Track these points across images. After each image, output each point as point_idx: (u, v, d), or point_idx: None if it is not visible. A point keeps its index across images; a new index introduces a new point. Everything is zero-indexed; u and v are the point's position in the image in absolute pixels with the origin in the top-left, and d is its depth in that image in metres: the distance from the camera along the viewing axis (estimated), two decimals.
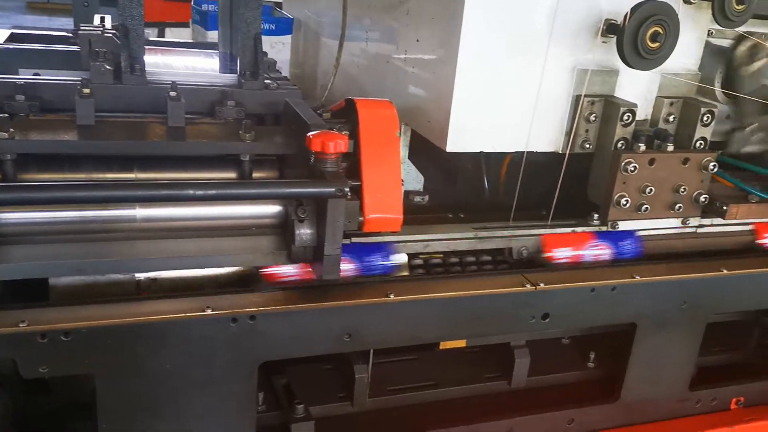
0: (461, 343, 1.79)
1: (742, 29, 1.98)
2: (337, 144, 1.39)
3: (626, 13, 1.70)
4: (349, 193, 1.50)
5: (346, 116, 1.62)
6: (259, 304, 1.41)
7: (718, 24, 1.84)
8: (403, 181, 2.19)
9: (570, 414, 1.86)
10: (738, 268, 1.88)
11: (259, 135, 1.55)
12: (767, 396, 2.10)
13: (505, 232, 1.81)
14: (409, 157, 2.18)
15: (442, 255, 1.83)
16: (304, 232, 1.45)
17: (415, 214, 2.07)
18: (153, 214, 1.42)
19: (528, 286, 1.67)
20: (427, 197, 2.20)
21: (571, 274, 1.75)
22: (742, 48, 1.95)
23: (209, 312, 1.36)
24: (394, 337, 1.59)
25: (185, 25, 3.96)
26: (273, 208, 1.50)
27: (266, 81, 1.93)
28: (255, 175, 1.56)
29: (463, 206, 2.03)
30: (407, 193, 2.20)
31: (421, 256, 1.81)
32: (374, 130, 1.56)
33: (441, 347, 1.79)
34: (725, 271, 1.86)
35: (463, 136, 1.81)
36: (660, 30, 1.72)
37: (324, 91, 2.71)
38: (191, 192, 1.27)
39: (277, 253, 1.49)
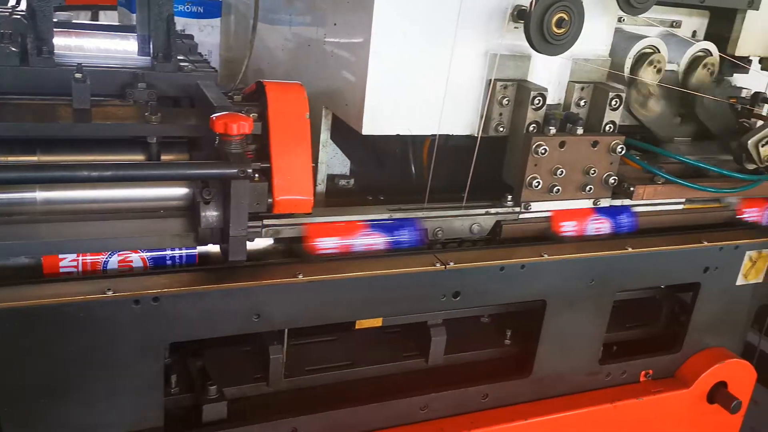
0: (377, 322, 1.82)
1: (647, 16, 2.05)
2: (241, 125, 1.40)
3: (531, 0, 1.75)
4: (256, 175, 1.52)
5: (257, 99, 1.63)
6: (163, 286, 1.41)
7: (623, 11, 1.90)
8: (328, 164, 2.25)
9: (484, 389, 1.91)
10: (642, 246, 1.96)
11: (167, 117, 1.54)
12: (674, 368, 2.20)
13: (420, 214, 1.85)
14: (336, 142, 2.20)
15: None
16: (210, 214, 1.46)
17: (341, 197, 2.12)
18: (54, 197, 1.41)
19: (438, 265, 1.71)
20: (352, 181, 2.24)
21: (481, 253, 1.80)
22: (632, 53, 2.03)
23: (110, 294, 1.36)
24: (304, 317, 1.61)
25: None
26: (180, 191, 1.50)
27: (182, 64, 1.92)
28: (163, 157, 1.55)
29: (389, 189, 2.05)
30: (333, 177, 2.23)
31: None
32: (283, 112, 1.57)
33: (357, 327, 1.82)
34: (630, 249, 1.94)
35: (379, 119, 1.84)
36: (565, 16, 1.77)
37: (243, 75, 2.72)
38: (86, 173, 1.26)
39: (185, 235, 1.50)
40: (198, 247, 1.58)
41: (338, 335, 1.92)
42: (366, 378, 1.88)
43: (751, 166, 2.14)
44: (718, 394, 2.18)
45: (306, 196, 1.59)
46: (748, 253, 2.13)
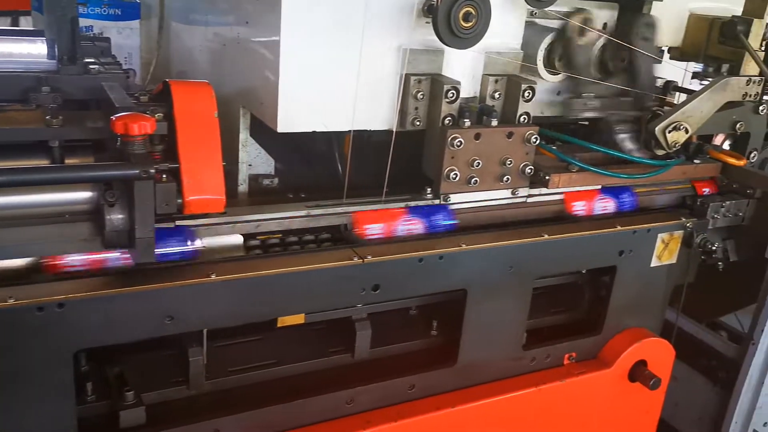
0: (300, 319, 1.82)
1: (556, 8, 2.11)
2: (142, 126, 1.38)
3: None
4: (164, 176, 1.50)
5: (164, 99, 1.61)
6: (68, 291, 1.38)
7: (528, 5, 1.95)
8: (251, 164, 2.24)
9: (410, 380, 1.94)
10: (558, 233, 2.02)
11: (70, 120, 1.51)
12: (597, 350, 2.27)
13: (338, 209, 1.86)
14: (260, 141, 2.19)
15: (280, 235, 1.86)
16: (115, 217, 1.44)
17: (264, 196, 2.11)
18: None
19: (356, 259, 1.72)
20: (276, 180, 2.23)
21: (399, 246, 1.82)
22: (576, 20, 2.06)
23: (11, 302, 1.33)
24: (220, 317, 1.61)
25: None
26: (84, 194, 1.46)
27: (92, 66, 1.88)
28: (68, 161, 1.52)
29: (314, 187, 2.05)
30: (256, 177, 2.22)
31: (259, 237, 1.83)
32: (190, 111, 1.56)
33: (279, 325, 1.82)
34: (546, 236, 1.99)
35: (294, 117, 1.84)
36: (472, 10, 1.81)
37: (179, 76, 2.68)
38: None
39: (91, 239, 1.47)
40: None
41: (263, 334, 1.91)
42: (291, 376, 1.88)
43: (660, 152, 2.23)
44: (639, 373, 2.26)
45: (218, 196, 1.58)
46: (660, 235, 2.21)
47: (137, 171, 1.36)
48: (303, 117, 1.85)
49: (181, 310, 1.52)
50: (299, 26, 1.75)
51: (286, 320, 1.82)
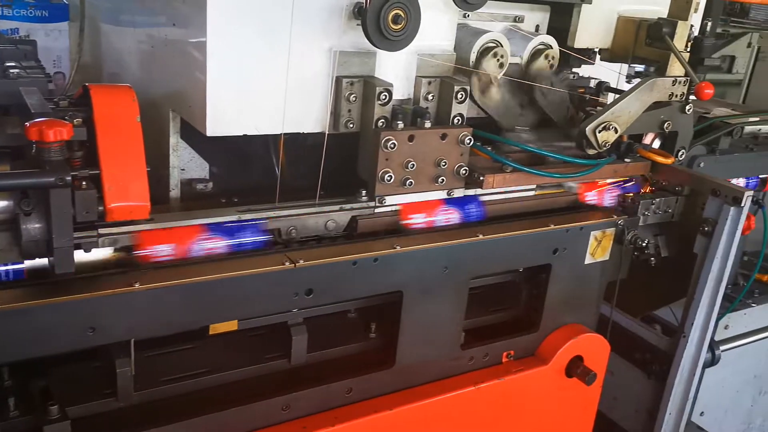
0: (232, 326, 1.80)
1: (485, 10, 2.14)
2: (57, 132, 1.34)
3: None
4: (84, 183, 1.46)
5: (84, 103, 1.56)
6: None
7: (458, 7, 1.97)
8: (184, 168, 2.20)
9: (348, 384, 1.93)
10: (492, 232, 2.04)
11: None
12: (534, 347, 2.30)
13: (270, 214, 1.84)
14: (195, 145, 2.15)
15: None
16: (32, 227, 1.39)
17: (197, 201, 2.07)
18: None
19: (287, 263, 1.71)
20: (210, 184, 2.19)
21: (333, 249, 1.81)
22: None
23: None
24: (146, 327, 1.57)
25: None
26: None
27: (13, 70, 1.83)
28: None
29: (250, 191, 2.03)
30: (190, 182, 2.18)
31: None
32: (111, 116, 1.51)
33: (211, 332, 1.79)
34: (481, 236, 2.01)
35: (223, 120, 1.81)
36: (401, 13, 1.81)
37: (111, 79, 2.61)
38: None
39: (8, 249, 1.42)
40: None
41: (195, 342, 1.87)
42: (226, 384, 1.85)
43: (591, 151, 2.27)
44: (575, 368, 2.30)
45: (142, 202, 1.54)
46: (593, 233, 2.26)
47: (53, 178, 1.31)
48: (233, 120, 1.82)
49: (104, 321, 1.48)
50: (226, 28, 1.72)
51: (218, 327, 1.79)
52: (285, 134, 1.99)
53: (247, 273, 1.66)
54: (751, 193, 2.24)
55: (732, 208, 2.26)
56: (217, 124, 1.80)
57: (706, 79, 2.36)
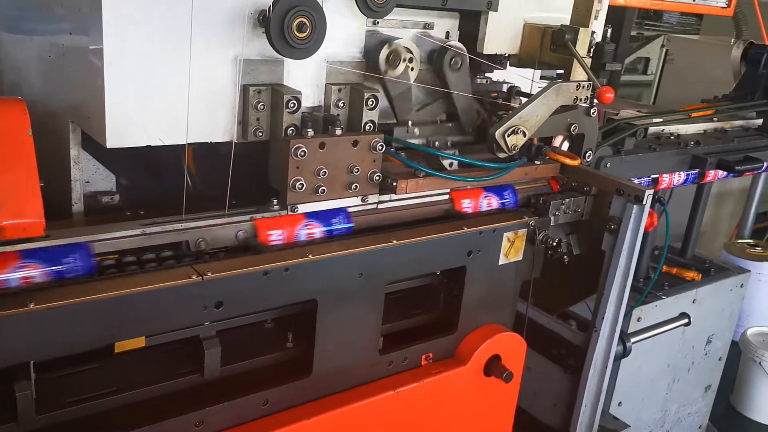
0: (140, 343, 1.75)
1: (395, 17, 2.16)
2: None
3: (269, 5, 1.77)
4: None
5: None
6: None
7: (363, 14, 1.98)
8: (89, 181, 2.13)
9: (264, 395, 1.90)
10: (406, 237, 2.06)
11: None
12: (453, 349, 2.34)
13: (177, 226, 1.80)
14: (101, 156, 2.09)
15: (116, 255, 1.77)
16: None
17: (103, 215, 2.01)
18: None
19: (194, 276, 1.67)
20: (117, 197, 2.13)
21: (243, 260, 1.79)
22: (383, 55, 2.11)
23: None
24: (44, 348, 1.50)
25: None
26: None
27: None
28: None
29: (159, 203, 1.97)
30: (95, 194, 2.11)
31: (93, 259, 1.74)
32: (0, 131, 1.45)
33: (117, 350, 1.73)
34: (395, 242, 2.03)
35: (125, 131, 1.76)
36: (306, 21, 1.81)
37: (11, 90, 2.49)
38: None
39: None
40: None
41: (102, 361, 1.81)
42: (136, 402, 1.80)
43: (502, 155, 2.33)
44: (493, 367, 2.35)
45: (36, 219, 1.48)
46: (505, 234, 2.31)
47: None
48: (134, 131, 1.77)
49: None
50: (124, 35, 1.68)
51: (124, 345, 1.73)
52: (195, 143, 1.96)
53: (152, 288, 1.61)
54: (652, 191, 2.35)
55: (635, 206, 2.36)
56: (118, 136, 1.75)
57: (623, 81, 2.46)
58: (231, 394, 1.88)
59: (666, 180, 3.04)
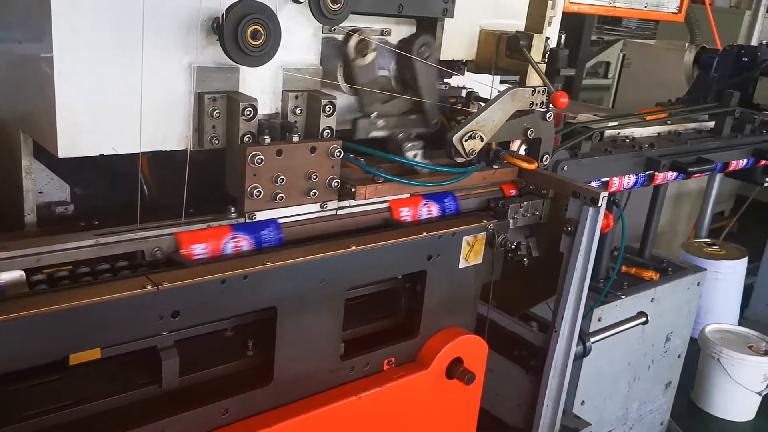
0: (95, 355, 1.72)
1: (352, 24, 2.17)
2: None
3: (223, 13, 1.76)
4: None
5: None
6: None
7: (318, 21, 1.99)
8: (42, 191, 2.09)
9: (224, 404, 1.89)
10: (366, 243, 2.07)
11: None
12: (415, 353, 2.35)
13: (131, 235, 1.78)
14: (54, 166, 2.06)
15: (71, 267, 1.75)
16: None
17: (57, 225, 1.97)
18: None
19: (149, 286, 1.66)
20: (71, 207, 2.10)
21: (199, 269, 1.78)
22: (352, 43, 2.12)
23: None
24: None
25: None
26: None
27: None
28: None
29: (115, 212, 1.95)
30: (49, 205, 2.08)
31: (44, 271, 1.71)
32: None
33: (72, 363, 1.70)
34: (354, 247, 2.04)
35: (77, 140, 1.74)
36: (260, 29, 1.81)
37: None
38: None
39: None
40: None
41: (58, 374, 1.78)
42: (94, 415, 1.77)
43: (460, 160, 2.36)
44: (455, 370, 2.37)
45: None
46: (465, 238, 2.33)
47: None
48: (87, 140, 1.75)
49: None
50: (75, 42, 1.66)
51: (79, 357, 1.71)
52: (150, 152, 1.94)
53: (106, 299, 1.59)
54: (607, 193, 2.40)
55: (590, 208, 2.41)
56: (70, 145, 1.73)
57: (584, 85, 2.52)
58: (190, 404, 1.86)
59: (616, 183, 3.11)
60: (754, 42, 5.72)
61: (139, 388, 1.84)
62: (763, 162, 3.88)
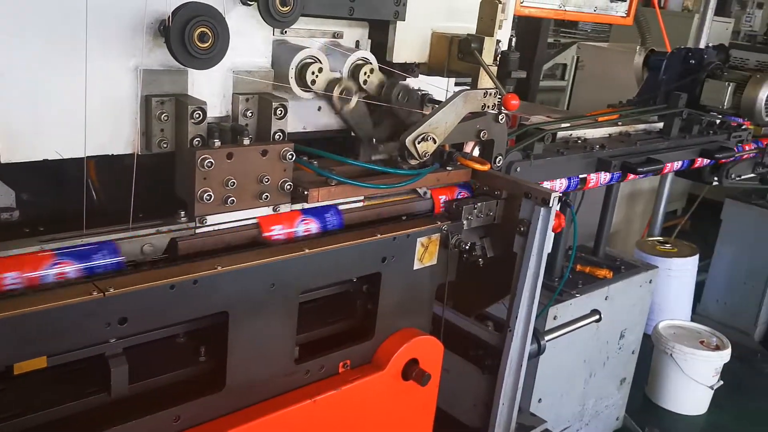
0: (41, 363, 1.68)
1: (303, 27, 2.17)
2: None
3: (169, 15, 1.74)
4: None
5: None
6: None
7: (267, 24, 1.98)
8: None
9: (175, 412, 1.87)
10: (319, 246, 2.07)
11: None
12: (370, 355, 2.35)
13: (77, 241, 1.74)
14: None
15: None
16: None
17: (1, 232, 1.92)
18: None
19: (95, 293, 1.63)
20: (16, 213, 2.04)
21: (147, 274, 1.75)
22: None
23: None
24: None
25: None
26: None
27: None
28: None
29: (64, 217, 1.91)
30: None
31: None
32: None
33: (17, 372, 1.66)
34: (307, 251, 2.03)
35: (18, 145, 1.71)
36: (207, 31, 1.79)
37: None
38: None
39: None
40: None
41: (4, 384, 1.73)
42: (41, 425, 1.73)
43: (413, 162, 2.37)
44: (411, 371, 2.38)
45: None
46: (419, 239, 2.35)
47: None
48: (30, 144, 1.72)
49: None
50: (14, 46, 1.62)
51: (24, 366, 1.67)
52: (97, 156, 1.91)
53: (50, 306, 1.56)
54: (558, 194, 2.44)
55: (542, 208, 2.45)
56: (12, 150, 1.69)
57: (542, 87, 2.56)
58: (140, 411, 1.83)
59: (559, 184, 3.16)
60: (702, 45, 5.89)
61: (87, 396, 1.81)
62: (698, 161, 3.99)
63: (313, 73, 2.16)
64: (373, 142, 2.40)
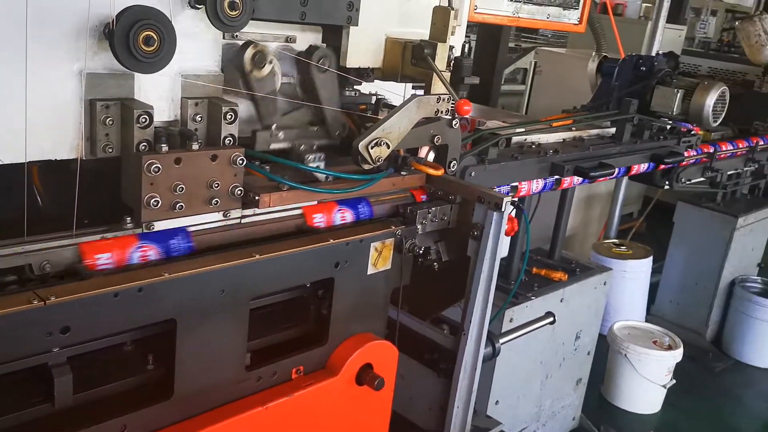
0: None
1: (255, 30, 2.16)
2: None
3: (113, 18, 1.72)
4: None
5: None
6: None
7: (216, 28, 1.96)
8: None
9: (121, 421, 1.83)
10: (269, 251, 2.05)
11: None
12: (324, 360, 2.35)
13: (17, 249, 1.70)
14: None
15: None
16: None
17: None
18: None
19: (36, 302, 1.59)
20: None
21: (90, 282, 1.72)
22: (248, 55, 2.10)
23: None
24: None
25: None
26: None
27: None
28: None
29: (8, 224, 1.85)
30: None
31: None
32: None
33: None
34: (258, 256, 2.01)
35: None
36: (153, 34, 1.77)
37: None
38: None
39: None
40: None
41: None
42: None
43: (367, 166, 2.38)
44: (365, 376, 2.38)
45: None
46: (372, 244, 2.35)
47: None
48: None
49: None
50: None
51: None
52: (39, 161, 1.86)
53: None
54: (510, 198, 2.47)
55: (495, 213, 2.48)
56: None
57: (503, 91, 2.58)
58: (85, 422, 1.79)
59: (525, 188, 3.21)
60: (654, 52, 6.03)
61: (30, 407, 1.76)
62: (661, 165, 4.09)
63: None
64: (272, 129, 2.31)
